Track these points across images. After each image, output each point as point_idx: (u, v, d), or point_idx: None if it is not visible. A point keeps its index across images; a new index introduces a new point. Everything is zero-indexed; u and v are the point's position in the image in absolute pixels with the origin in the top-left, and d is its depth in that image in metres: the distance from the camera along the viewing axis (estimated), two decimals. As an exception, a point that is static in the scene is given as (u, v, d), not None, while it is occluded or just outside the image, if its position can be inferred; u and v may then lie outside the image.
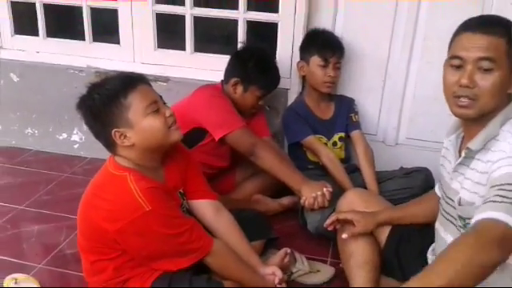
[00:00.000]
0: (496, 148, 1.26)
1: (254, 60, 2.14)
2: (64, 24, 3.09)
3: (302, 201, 2.00)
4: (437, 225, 1.52)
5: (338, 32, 2.35)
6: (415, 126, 2.43)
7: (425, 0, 2.24)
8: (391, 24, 2.29)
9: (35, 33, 2.79)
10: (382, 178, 2.22)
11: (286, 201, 2.25)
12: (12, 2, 2.76)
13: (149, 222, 1.42)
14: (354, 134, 2.33)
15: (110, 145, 1.48)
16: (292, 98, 2.45)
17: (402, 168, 2.28)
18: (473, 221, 1.16)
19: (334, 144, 2.34)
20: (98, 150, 1.60)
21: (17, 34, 2.82)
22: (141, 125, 1.45)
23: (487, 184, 1.23)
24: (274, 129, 2.46)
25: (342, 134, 2.35)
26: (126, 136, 1.45)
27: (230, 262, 1.59)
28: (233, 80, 2.15)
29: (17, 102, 2.84)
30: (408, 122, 2.45)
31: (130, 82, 1.47)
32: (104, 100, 1.43)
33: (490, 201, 1.16)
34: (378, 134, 2.49)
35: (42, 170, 2.65)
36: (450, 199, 1.41)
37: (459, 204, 1.34)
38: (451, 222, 1.42)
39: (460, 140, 1.43)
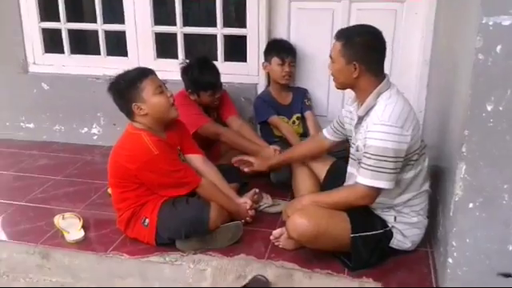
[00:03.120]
0: (373, 115, 1.96)
1: (191, 73, 2.78)
2: (84, 43, 3.78)
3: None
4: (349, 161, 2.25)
5: (292, 40, 3.11)
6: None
7: (353, 10, 2.98)
8: (330, 30, 2.98)
9: (61, 51, 3.48)
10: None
11: None
12: (42, 28, 3.48)
13: (157, 161, 2.13)
14: (307, 113, 3.07)
15: (130, 114, 2.19)
16: (260, 90, 3.19)
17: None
18: (356, 179, 1.95)
19: (294, 122, 3.07)
20: (113, 140, 2.28)
21: (46, 52, 3.53)
22: (151, 100, 2.15)
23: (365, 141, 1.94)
24: (249, 114, 3.19)
25: (299, 115, 3.08)
26: (141, 108, 2.15)
27: (214, 192, 2.30)
28: (188, 91, 2.83)
29: (47, 106, 3.54)
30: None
31: (144, 72, 2.19)
32: (127, 84, 2.15)
33: (361, 167, 1.93)
34: (328, 115, 3.22)
35: (70, 155, 3.37)
36: (353, 144, 2.12)
37: (357, 150, 2.05)
38: (353, 159, 2.14)
39: (358, 106, 2.09)
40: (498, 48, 1.55)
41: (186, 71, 2.84)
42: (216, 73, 2.85)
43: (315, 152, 2.44)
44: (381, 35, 1.99)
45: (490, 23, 1.54)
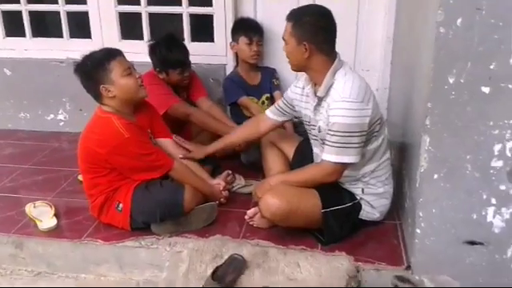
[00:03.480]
0: (333, 93, 1.99)
1: (158, 51, 2.75)
2: (45, 25, 3.67)
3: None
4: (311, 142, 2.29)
5: (258, 19, 3.10)
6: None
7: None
8: None
9: (22, 34, 3.38)
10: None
11: None
12: (2, 11, 3.37)
13: (127, 145, 2.12)
14: (276, 93, 3.08)
15: (98, 96, 2.16)
16: (229, 70, 3.18)
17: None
18: (321, 157, 1.99)
19: (263, 103, 3.08)
20: (80, 126, 2.25)
21: (7, 36, 3.42)
22: (119, 82, 2.12)
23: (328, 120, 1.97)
24: (218, 95, 3.18)
25: (268, 95, 3.10)
26: (109, 90, 2.12)
27: (187, 174, 2.31)
28: (156, 70, 2.80)
29: (10, 92, 3.44)
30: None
31: (111, 53, 2.16)
32: (94, 65, 2.11)
33: (326, 144, 1.97)
34: (296, 93, 3.26)
35: (37, 142, 3.30)
36: (314, 126, 2.14)
37: (319, 131, 2.08)
38: (316, 140, 2.18)
39: (314, 89, 2.11)
40: (459, 21, 1.60)
41: (153, 49, 2.80)
42: (184, 50, 2.83)
43: (256, 135, 2.45)
44: (330, 14, 2.02)
45: (451, -3, 1.58)
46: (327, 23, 2.01)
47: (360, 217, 2.14)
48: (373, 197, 2.14)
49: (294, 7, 2.88)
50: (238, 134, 2.52)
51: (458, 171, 1.74)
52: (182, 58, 2.80)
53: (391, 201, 2.21)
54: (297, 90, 2.25)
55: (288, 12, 2.06)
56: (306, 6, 2.20)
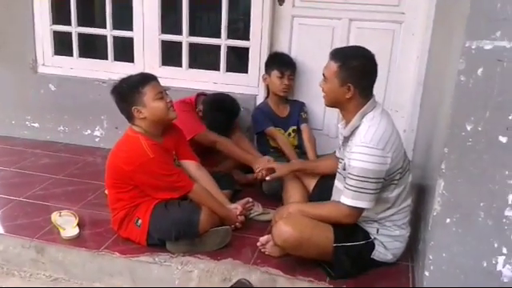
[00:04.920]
0: (356, 135, 2.02)
1: (211, 113, 2.92)
2: (92, 47, 3.89)
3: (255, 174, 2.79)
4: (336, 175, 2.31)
5: (293, 53, 3.21)
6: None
7: (353, 28, 3.09)
8: (329, 46, 3.01)
9: (70, 54, 3.60)
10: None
11: (250, 176, 3.04)
12: (54, 31, 3.61)
13: (151, 165, 2.21)
14: (303, 126, 3.15)
15: (130, 117, 2.29)
16: (259, 101, 3.28)
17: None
18: (340, 198, 2.02)
19: (289, 134, 3.16)
20: (114, 143, 2.36)
21: (56, 54, 3.64)
22: (151, 105, 2.24)
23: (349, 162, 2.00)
24: (247, 124, 3.26)
25: (295, 127, 3.17)
26: (141, 112, 2.24)
27: (205, 196, 2.36)
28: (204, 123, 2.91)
29: (53, 106, 3.64)
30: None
31: (146, 78, 2.29)
32: (129, 88, 2.25)
33: (345, 188, 2.00)
34: (323, 129, 3.31)
35: (72, 155, 3.47)
36: (341, 160, 2.18)
37: (343, 168, 2.11)
38: (340, 174, 2.20)
39: (344, 125, 2.15)
40: (480, 71, 1.63)
41: (207, 108, 2.95)
42: (235, 116, 3.01)
43: (330, 168, 2.41)
44: (374, 59, 2.05)
45: (473, 47, 1.62)
46: (373, 68, 2.04)
47: (372, 256, 2.13)
48: (387, 238, 2.13)
49: (328, 45, 3.08)
50: (325, 165, 2.48)
51: (470, 217, 1.73)
52: (230, 126, 2.98)
53: (406, 244, 2.19)
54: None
55: (333, 50, 2.10)
56: (353, 48, 2.22)
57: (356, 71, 2.01)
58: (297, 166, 2.56)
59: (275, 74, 3.07)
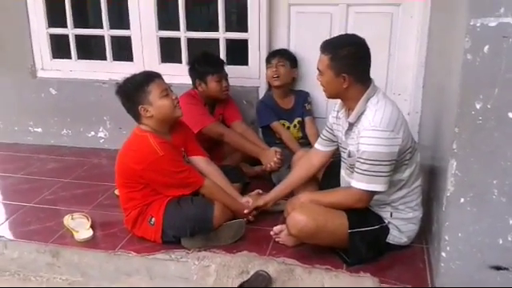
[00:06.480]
0: (364, 120, 2.03)
1: (196, 61, 2.96)
2: (90, 48, 3.89)
3: (263, 166, 2.84)
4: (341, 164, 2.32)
5: (292, 43, 3.20)
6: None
7: (351, 13, 3.07)
8: (328, 33, 3.01)
9: (68, 56, 3.58)
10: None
11: (257, 168, 3.06)
12: (50, 34, 3.59)
13: (161, 163, 2.22)
14: (307, 119, 3.16)
15: (137, 116, 2.28)
16: (262, 93, 3.27)
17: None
18: (351, 183, 2.02)
19: (294, 126, 3.15)
20: (119, 143, 2.37)
21: (54, 58, 3.63)
22: (157, 103, 2.24)
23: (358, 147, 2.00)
24: (251, 117, 3.27)
25: (300, 119, 3.17)
26: (147, 110, 2.24)
27: (216, 191, 2.38)
28: (196, 83, 2.94)
29: (55, 110, 3.64)
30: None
31: (151, 76, 2.29)
32: (134, 87, 2.24)
33: (356, 172, 2.00)
34: (327, 117, 3.26)
35: (77, 158, 3.47)
36: (345, 149, 2.17)
37: (349, 156, 2.12)
38: (345, 163, 2.22)
39: (346, 113, 2.15)
40: (486, 48, 1.63)
41: (191, 63, 3.00)
42: (219, 58, 3.01)
43: (312, 169, 2.40)
44: (365, 44, 2.04)
45: (478, 25, 1.62)
46: (364, 53, 2.04)
47: (387, 240, 2.14)
48: (401, 221, 2.14)
49: (327, 32, 3.05)
50: (295, 177, 2.42)
51: (484, 196, 1.74)
52: (219, 62, 2.97)
53: (419, 226, 2.20)
54: (333, 113, 2.29)
55: (322, 43, 2.08)
56: (341, 38, 2.22)
57: (347, 60, 2.00)
58: (270, 199, 2.45)
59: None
